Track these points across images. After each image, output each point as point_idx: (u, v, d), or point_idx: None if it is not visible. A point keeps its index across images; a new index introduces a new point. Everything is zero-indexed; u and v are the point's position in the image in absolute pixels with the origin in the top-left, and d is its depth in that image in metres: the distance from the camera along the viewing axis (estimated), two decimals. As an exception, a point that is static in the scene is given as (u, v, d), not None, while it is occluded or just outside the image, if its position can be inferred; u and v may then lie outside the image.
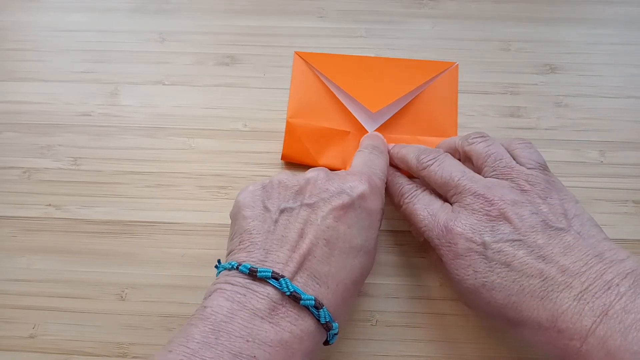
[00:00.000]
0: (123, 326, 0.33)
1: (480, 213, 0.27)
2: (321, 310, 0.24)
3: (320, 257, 0.25)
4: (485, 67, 0.38)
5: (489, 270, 0.26)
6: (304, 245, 0.25)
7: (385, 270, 0.34)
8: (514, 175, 0.28)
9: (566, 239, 0.25)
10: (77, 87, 0.38)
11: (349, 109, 0.37)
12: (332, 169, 0.36)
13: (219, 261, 0.27)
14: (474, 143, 0.30)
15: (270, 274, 0.24)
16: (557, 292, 0.24)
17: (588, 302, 0.23)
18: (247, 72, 0.38)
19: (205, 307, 0.24)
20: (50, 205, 0.35)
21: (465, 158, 0.31)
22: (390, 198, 0.32)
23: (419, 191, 0.31)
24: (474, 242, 0.26)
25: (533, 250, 0.25)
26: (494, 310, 0.26)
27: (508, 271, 0.25)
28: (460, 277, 0.27)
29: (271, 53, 0.38)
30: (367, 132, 0.36)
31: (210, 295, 0.24)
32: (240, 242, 0.26)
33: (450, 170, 0.29)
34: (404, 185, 0.32)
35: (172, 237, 0.34)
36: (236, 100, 0.37)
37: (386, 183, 0.33)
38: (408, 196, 0.31)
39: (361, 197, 0.27)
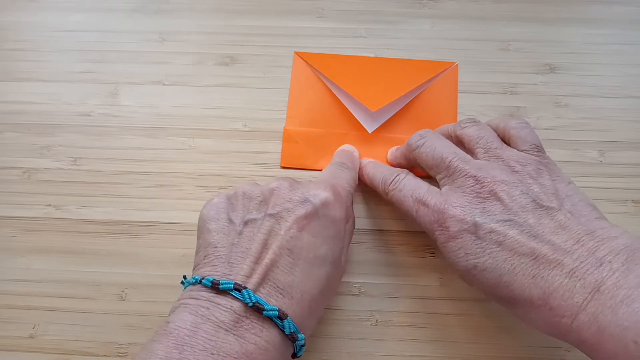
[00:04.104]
0: (123, 326, 0.33)
1: (471, 195, 0.27)
2: (285, 320, 0.24)
3: (284, 267, 0.25)
4: (485, 67, 0.38)
5: (480, 251, 0.26)
6: (268, 257, 0.25)
7: (386, 270, 0.34)
8: (505, 157, 0.28)
9: (557, 217, 0.25)
10: (77, 87, 0.38)
11: (348, 108, 0.37)
12: (332, 169, 0.36)
13: (184, 277, 0.27)
14: (466, 127, 0.30)
15: (232, 285, 0.23)
16: (549, 270, 0.24)
17: (580, 279, 0.23)
18: (247, 72, 0.38)
19: (168, 322, 0.23)
20: (50, 205, 0.35)
21: (457, 142, 0.31)
22: (376, 188, 0.32)
23: (402, 175, 0.31)
24: (466, 223, 0.26)
25: (524, 230, 0.25)
26: (488, 290, 0.26)
27: (499, 251, 0.25)
28: (452, 259, 0.27)
29: (271, 53, 0.38)
30: (367, 132, 0.36)
31: (174, 311, 0.24)
32: (205, 256, 0.26)
33: (441, 151, 0.29)
34: (385, 172, 0.32)
35: (172, 237, 0.34)
36: (236, 100, 0.37)
37: (368, 174, 0.33)
38: (392, 182, 0.31)
39: (324, 204, 0.27)
